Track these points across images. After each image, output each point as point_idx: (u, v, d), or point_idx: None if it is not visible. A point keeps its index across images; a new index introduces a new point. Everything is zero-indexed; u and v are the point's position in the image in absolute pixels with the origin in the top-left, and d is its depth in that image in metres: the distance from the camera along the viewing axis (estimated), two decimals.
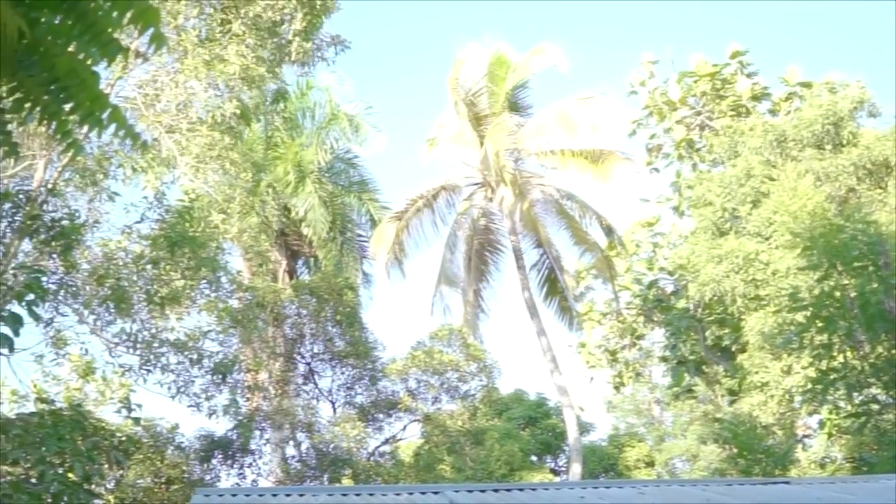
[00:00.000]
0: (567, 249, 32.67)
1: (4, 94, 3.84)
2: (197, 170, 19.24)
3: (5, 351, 11.25)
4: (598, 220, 32.18)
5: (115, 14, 3.65)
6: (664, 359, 34.53)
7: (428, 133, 34.97)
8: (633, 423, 39.29)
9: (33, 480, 11.16)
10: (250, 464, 23.10)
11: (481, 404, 26.55)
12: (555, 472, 31.88)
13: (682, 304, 31.07)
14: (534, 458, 31.18)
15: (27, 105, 3.82)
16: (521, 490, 11.59)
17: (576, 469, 28.04)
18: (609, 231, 32.42)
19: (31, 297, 11.24)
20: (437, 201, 32.88)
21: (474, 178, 33.06)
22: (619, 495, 10.94)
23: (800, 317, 20.63)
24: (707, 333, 30.22)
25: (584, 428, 32.52)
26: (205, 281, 19.84)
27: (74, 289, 17.71)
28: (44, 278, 13.39)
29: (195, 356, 19.43)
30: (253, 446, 23.15)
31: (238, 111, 18.86)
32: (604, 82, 73.36)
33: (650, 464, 33.13)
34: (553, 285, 32.63)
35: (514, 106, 32.97)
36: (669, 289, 33.96)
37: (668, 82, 36.70)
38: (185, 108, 18.59)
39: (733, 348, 28.32)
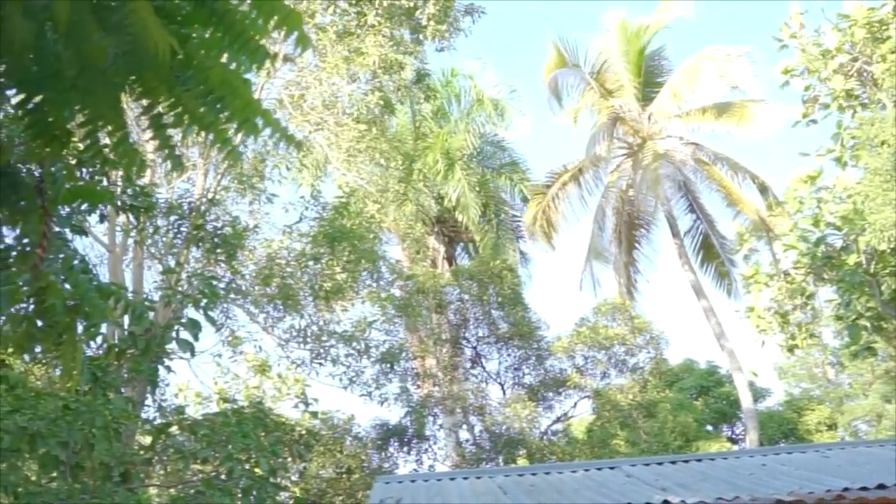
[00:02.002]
0: (721, 212, 31.79)
1: (164, 111, 4.00)
2: (349, 163, 19.65)
3: (187, 355, 11.78)
4: (752, 178, 31.16)
5: (260, 21, 3.76)
6: (838, 317, 33.12)
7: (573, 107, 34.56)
8: (807, 388, 37.94)
9: (223, 477, 11.67)
10: (426, 450, 23.51)
11: (651, 376, 26.18)
12: (732, 440, 31.15)
13: (852, 259, 29.74)
14: (709, 427, 30.54)
15: (186, 118, 3.98)
16: (699, 461, 11.38)
17: (753, 436, 27.33)
18: (763, 189, 31.35)
19: (206, 302, 11.72)
20: (583, 175, 32.51)
21: (619, 150, 32.50)
22: (803, 460, 10.60)
23: None
24: (883, 288, 28.81)
25: (758, 394, 31.64)
26: (366, 272, 20.27)
27: (243, 289, 18.41)
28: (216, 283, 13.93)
29: (363, 346, 19.90)
30: (427, 432, 23.56)
31: (382, 102, 19.14)
32: (753, 39, 70.96)
33: (831, 426, 31.94)
34: (709, 251, 31.82)
35: (651, 71, 32.25)
36: (838, 244, 32.56)
37: (821, 31, 35.09)
38: (331, 104, 19.00)
39: None
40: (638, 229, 32.80)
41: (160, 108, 4.00)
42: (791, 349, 38.97)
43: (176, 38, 3.61)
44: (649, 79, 31.94)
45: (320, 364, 19.61)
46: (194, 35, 3.77)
